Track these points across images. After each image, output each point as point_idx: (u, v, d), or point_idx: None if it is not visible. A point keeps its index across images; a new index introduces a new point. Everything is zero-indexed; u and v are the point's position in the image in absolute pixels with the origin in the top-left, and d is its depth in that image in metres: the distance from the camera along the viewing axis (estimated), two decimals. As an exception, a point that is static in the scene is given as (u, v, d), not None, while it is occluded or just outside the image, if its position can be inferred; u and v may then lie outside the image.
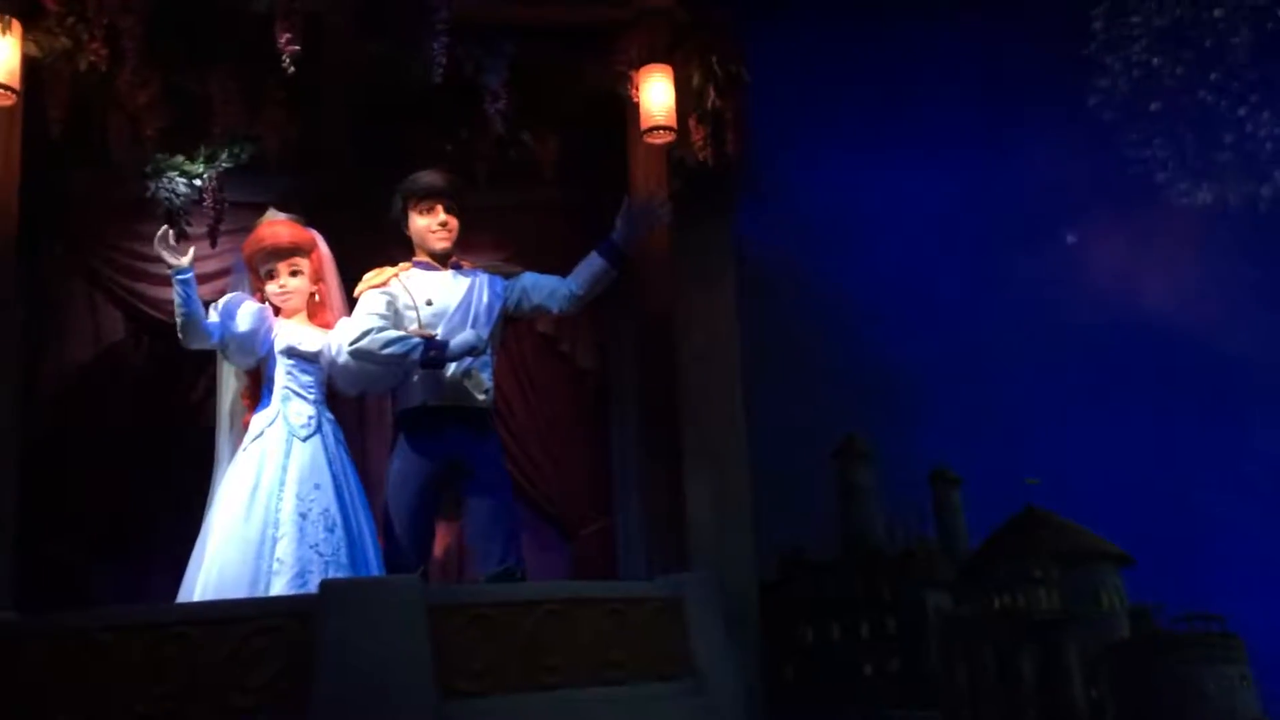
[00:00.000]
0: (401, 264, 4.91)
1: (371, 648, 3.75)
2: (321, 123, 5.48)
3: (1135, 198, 6.49)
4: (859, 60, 6.08)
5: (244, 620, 3.78)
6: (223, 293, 6.16)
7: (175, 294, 4.37)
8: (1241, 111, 6.15)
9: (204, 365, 6.26)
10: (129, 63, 4.64)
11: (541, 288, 4.97)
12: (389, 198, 5.65)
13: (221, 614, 3.82)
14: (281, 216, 4.74)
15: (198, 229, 6.01)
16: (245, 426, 4.62)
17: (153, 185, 5.79)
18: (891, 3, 6.90)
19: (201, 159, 5.86)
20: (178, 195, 5.80)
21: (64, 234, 6.11)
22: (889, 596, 6.46)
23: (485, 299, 4.90)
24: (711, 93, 5.09)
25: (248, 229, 5.94)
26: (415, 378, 4.72)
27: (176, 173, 5.84)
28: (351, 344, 4.61)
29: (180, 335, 4.43)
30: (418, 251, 4.95)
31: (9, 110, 4.87)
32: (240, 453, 4.48)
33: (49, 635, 3.86)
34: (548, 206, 6.23)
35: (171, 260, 4.36)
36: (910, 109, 6.04)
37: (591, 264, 4.92)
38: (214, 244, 5.97)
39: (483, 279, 4.95)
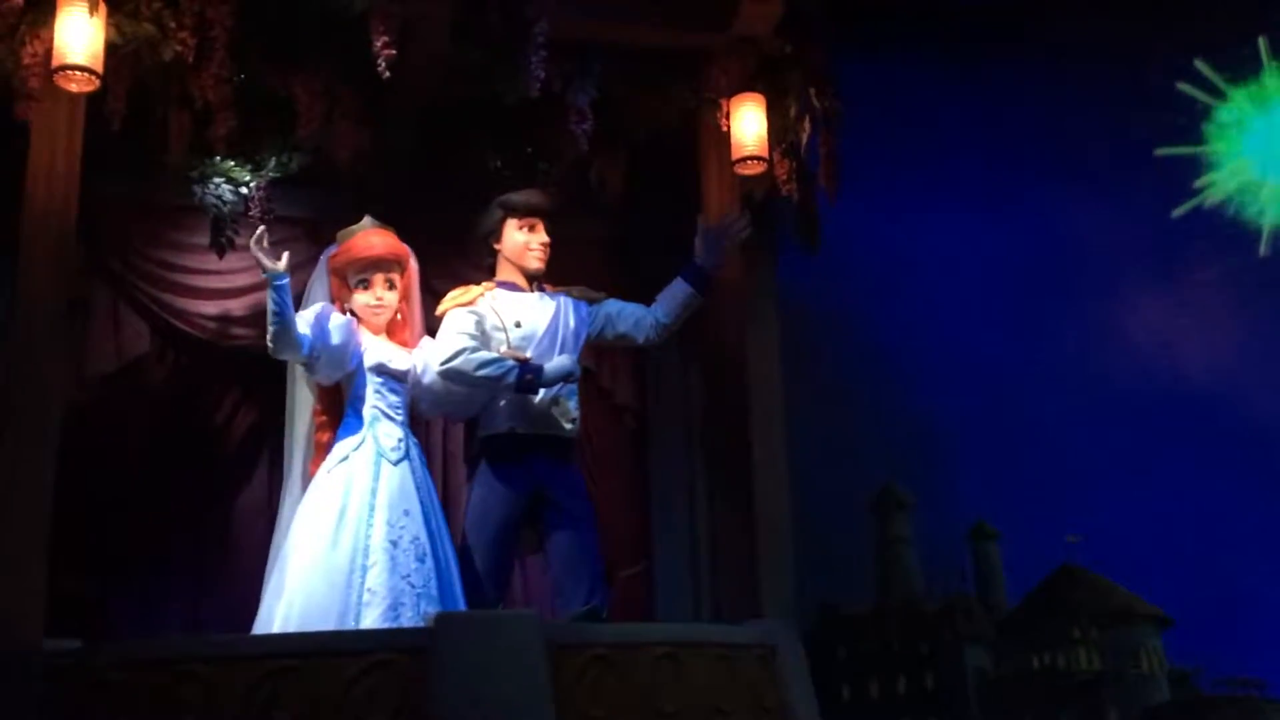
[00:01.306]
0: (485, 284, 4.70)
1: (491, 687, 3.49)
2: (386, 136, 5.22)
3: (1177, 258, 6.56)
4: (907, 111, 6.01)
5: (357, 655, 3.49)
6: (255, 307, 5.94)
7: (270, 300, 4.07)
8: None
9: (230, 385, 5.95)
10: (216, 56, 4.35)
11: (627, 316, 4.79)
12: (436, 219, 5.47)
13: (332, 647, 3.52)
14: (378, 226, 4.48)
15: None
16: (319, 445, 4.32)
17: (199, 190, 5.49)
18: (942, 57, 6.88)
19: (249, 166, 5.60)
20: (224, 203, 5.51)
21: (87, 236, 5.75)
22: (927, 652, 6.32)
23: (572, 324, 4.70)
24: (807, 126, 4.96)
25: (284, 242, 5.70)
26: (502, 402, 4.49)
27: (224, 179, 5.56)
28: (443, 363, 4.37)
29: (270, 344, 4.13)
30: (500, 271, 4.74)
31: (72, 98, 4.55)
32: (323, 475, 4.18)
33: (127, 665, 3.52)
34: (583, 239, 6.03)
35: (268, 264, 4.07)
36: (958, 161, 5.99)
37: (675, 291, 4.76)
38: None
39: (567, 303, 4.75)
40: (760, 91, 5.06)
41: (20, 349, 4.32)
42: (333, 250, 4.46)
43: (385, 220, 5.95)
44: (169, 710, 3.42)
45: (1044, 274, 6.92)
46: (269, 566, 4.21)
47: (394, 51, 4.48)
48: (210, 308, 5.84)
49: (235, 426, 5.87)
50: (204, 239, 5.90)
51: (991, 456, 6.73)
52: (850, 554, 6.59)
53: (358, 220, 5.99)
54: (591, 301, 4.82)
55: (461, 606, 4.15)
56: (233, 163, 5.51)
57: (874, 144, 6.35)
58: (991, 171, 6.63)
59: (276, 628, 3.92)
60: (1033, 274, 6.93)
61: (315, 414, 4.38)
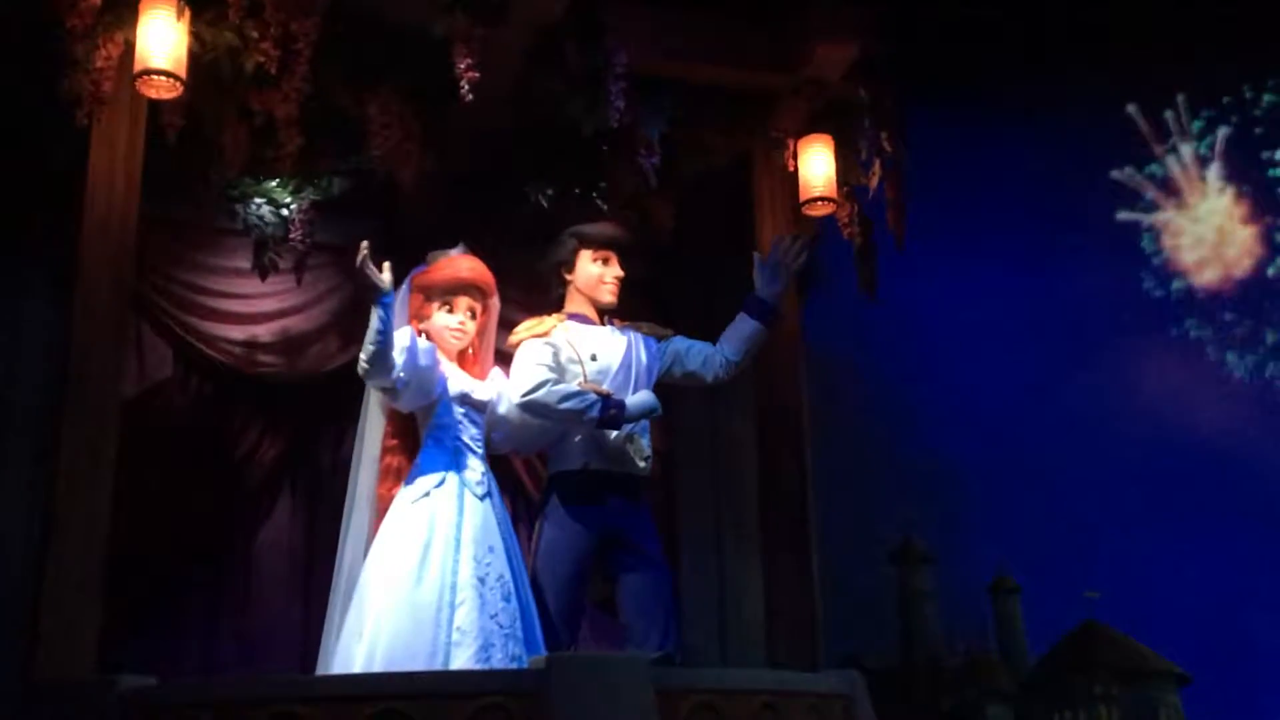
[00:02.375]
0: (556, 315, 4.56)
1: (607, 738, 3.32)
2: (443, 162, 5.09)
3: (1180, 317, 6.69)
4: (931, 162, 6.02)
5: (469, 697, 3.28)
6: (282, 334, 5.73)
7: (375, 319, 3.87)
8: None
9: (255, 415, 5.72)
10: (298, 70, 4.19)
11: (696, 354, 4.67)
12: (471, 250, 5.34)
13: (443, 689, 3.32)
14: (470, 254, 4.33)
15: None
16: (387, 469, 4.12)
17: (241, 211, 5.30)
18: (963, 111, 6.96)
19: (290, 188, 5.42)
20: (266, 224, 5.32)
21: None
22: (948, 708, 6.24)
23: (644, 359, 4.57)
24: (878, 170, 4.94)
25: (315, 268, 5.52)
26: (576, 438, 4.34)
27: (265, 200, 5.37)
28: (524, 395, 4.21)
29: (366, 366, 3.92)
30: (570, 302, 4.61)
31: (134, 107, 4.36)
32: (405, 506, 3.97)
33: (217, 706, 3.29)
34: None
35: (377, 282, 3.89)
36: (979, 212, 6.03)
37: (741, 327, 4.62)
38: (299, 281, 5.48)
39: (637, 338, 4.62)
40: (828, 133, 5.05)
41: (78, 363, 4.10)
42: (421, 269, 4.29)
43: (420, 246, 5.88)
44: (262, 756, 3.20)
45: (1064, 328, 6.99)
46: (336, 600, 3.98)
47: (477, 75, 4.38)
48: (236, 333, 5.64)
49: (259, 458, 5.64)
50: (232, 262, 5.73)
51: (1012, 509, 6.73)
52: (871, 606, 6.51)
53: (389, 246, 5.90)
54: (660, 338, 4.71)
55: (542, 649, 3.98)
56: (275, 183, 5.39)
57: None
58: (1012, 227, 6.70)
59: (359, 668, 3.70)
60: (1053, 328, 6.99)
61: (385, 437, 4.18)
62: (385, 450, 4.17)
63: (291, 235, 5.32)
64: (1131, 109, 7.31)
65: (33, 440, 5.07)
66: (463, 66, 4.37)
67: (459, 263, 4.27)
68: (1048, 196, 6.96)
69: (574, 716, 3.31)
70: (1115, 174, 7.36)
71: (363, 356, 3.95)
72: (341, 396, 5.88)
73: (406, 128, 4.56)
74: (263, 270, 5.29)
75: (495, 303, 4.37)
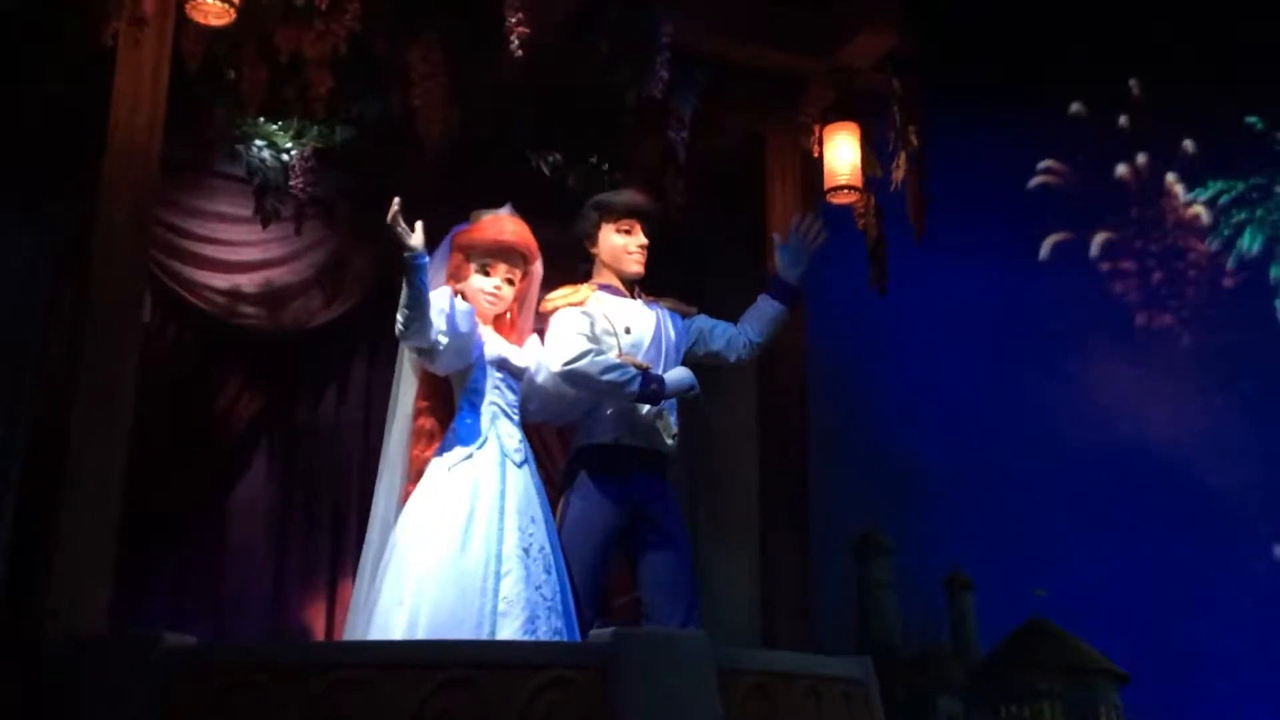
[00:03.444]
0: (588, 284, 4.45)
1: (671, 712, 3.25)
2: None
3: (1148, 331, 6.91)
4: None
5: (535, 669, 3.16)
6: (265, 285, 5.49)
7: (410, 282, 3.70)
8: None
9: (234, 368, 5.48)
10: (351, 8, 3.99)
11: (720, 334, 4.62)
12: (464, 215, 5.19)
13: (509, 659, 3.20)
14: (516, 216, 4.17)
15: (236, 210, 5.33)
16: (419, 432, 3.97)
17: (243, 152, 5.04)
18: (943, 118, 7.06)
19: (291, 132, 5.18)
20: (267, 169, 5.07)
21: (91, 189, 5.19)
22: (903, 699, 6.33)
23: (673, 336, 4.50)
24: (903, 162, 4.96)
25: (306, 217, 5.30)
26: (608, 410, 4.25)
27: (265, 143, 5.12)
28: (566, 364, 4.09)
29: (403, 328, 3.75)
30: (597, 275, 4.51)
31: (159, 34, 4.09)
32: (442, 472, 3.82)
33: (273, 669, 3.11)
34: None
35: (408, 241, 3.72)
36: (949, 216, 6.12)
37: (765, 309, 4.58)
38: (299, 230, 5.25)
39: (664, 314, 4.54)
40: (857, 122, 5.05)
41: (97, 299, 3.85)
42: (463, 227, 4.13)
43: (413, 207, 5.70)
44: (324, 723, 3.04)
45: (1023, 334, 7.16)
46: (366, 566, 3.82)
47: (527, 30, 4.24)
48: (220, 281, 5.39)
49: (236, 414, 5.41)
50: (216, 206, 5.49)
51: (969, 507, 6.87)
52: (830, 595, 6.57)
53: (378, 202, 5.70)
54: (684, 315, 4.64)
55: (576, 625, 3.89)
56: (277, 126, 5.15)
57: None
58: (983, 231, 6.84)
59: (399, 636, 3.54)
60: (1013, 333, 7.16)
61: (417, 398, 4.02)
62: (418, 412, 4.01)
63: (292, 182, 5.09)
64: (1077, 107, 7.52)
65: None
66: (513, 21, 4.23)
67: (503, 224, 4.12)
68: (1016, 203, 7.13)
69: (642, 692, 3.23)
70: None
71: (399, 317, 3.78)
72: (321, 356, 5.75)
73: (448, 79, 4.38)
74: (265, 217, 5.05)
75: (538, 269, 4.23)
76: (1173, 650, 7.04)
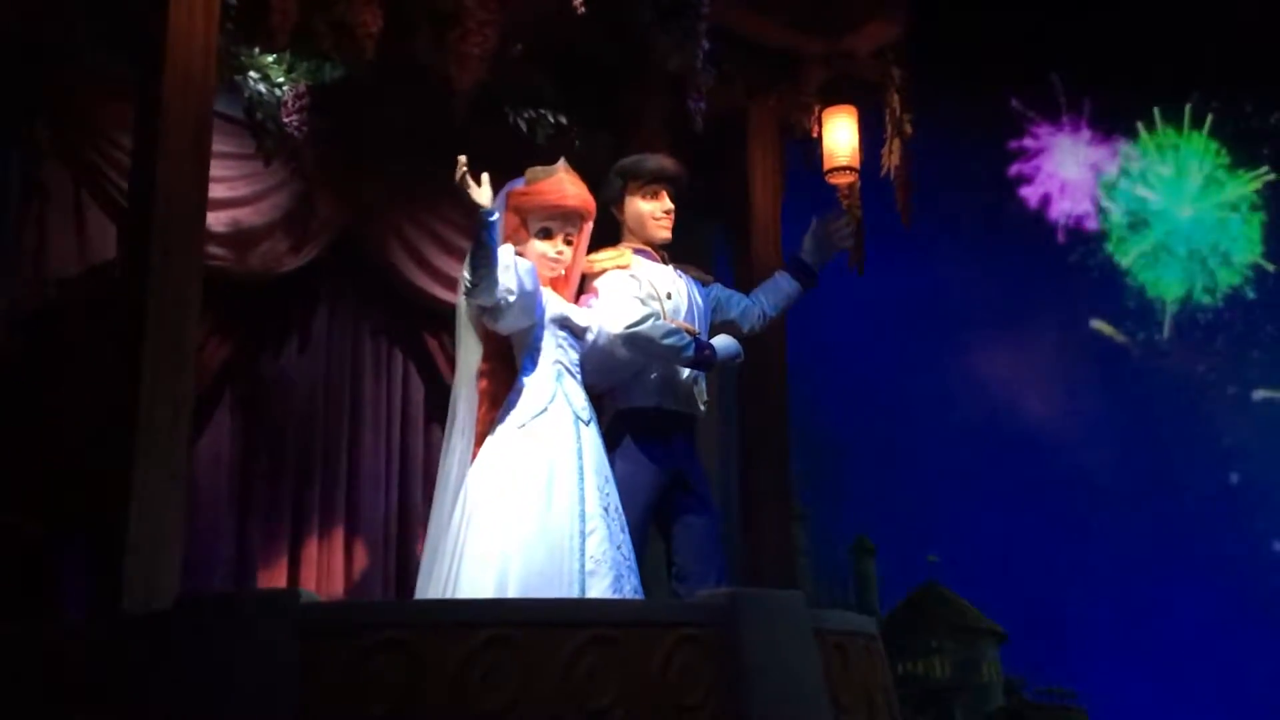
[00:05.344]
0: (624, 246, 4.45)
1: (783, 669, 3.37)
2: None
3: (1027, 321, 7.42)
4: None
5: (669, 626, 3.22)
6: (232, 225, 5.20)
7: (480, 240, 3.62)
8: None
9: (203, 314, 5.12)
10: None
11: (736, 303, 4.72)
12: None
13: (647, 617, 3.24)
14: (573, 173, 4.10)
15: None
16: (483, 397, 3.90)
17: (241, 81, 4.73)
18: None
19: (284, 66, 4.91)
20: (265, 102, 4.79)
21: (56, 109, 4.77)
22: (814, 655, 6.67)
23: (700, 303, 4.58)
24: (897, 148, 5.18)
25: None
26: (653, 375, 4.29)
27: (258, 75, 4.82)
28: (630, 327, 4.11)
29: (471, 286, 3.65)
30: (626, 239, 4.52)
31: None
32: (514, 431, 3.75)
33: (418, 627, 3.03)
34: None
35: (477, 198, 3.63)
36: (873, 206, 6.47)
37: (781, 284, 4.72)
38: (305, 175, 5.02)
39: (689, 281, 4.61)
40: (851, 104, 5.23)
41: (161, 231, 3.59)
42: (518, 185, 4.03)
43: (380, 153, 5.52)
44: (479, 681, 2.98)
45: (923, 323, 7.58)
46: (443, 530, 3.72)
47: (590, -13, 4.21)
48: (189, 218, 5.04)
49: (203, 362, 5.05)
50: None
51: (873, 480, 7.25)
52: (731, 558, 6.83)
53: (347, 147, 5.49)
54: (704, 283, 4.72)
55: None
56: (272, 59, 4.87)
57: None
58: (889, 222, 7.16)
59: (492, 594, 3.50)
60: (915, 322, 7.57)
61: (480, 360, 3.93)
62: (480, 374, 3.93)
63: (286, 119, 4.82)
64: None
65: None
66: (577, -24, 4.18)
67: (564, 188, 4.04)
68: (937, 196, 7.51)
69: (759, 650, 3.34)
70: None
71: (466, 274, 3.72)
72: (289, 305, 5.48)
73: (502, 28, 4.28)
74: (267, 154, 4.77)
75: (590, 224, 4.21)
76: (1044, 611, 7.69)
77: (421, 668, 2.99)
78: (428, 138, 5.55)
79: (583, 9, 4.19)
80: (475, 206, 3.66)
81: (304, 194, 5.38)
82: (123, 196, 4.88)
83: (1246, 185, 10.07)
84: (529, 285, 3.86)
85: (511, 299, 3.79)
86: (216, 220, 5.13)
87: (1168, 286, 9.22)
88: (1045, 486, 8.01)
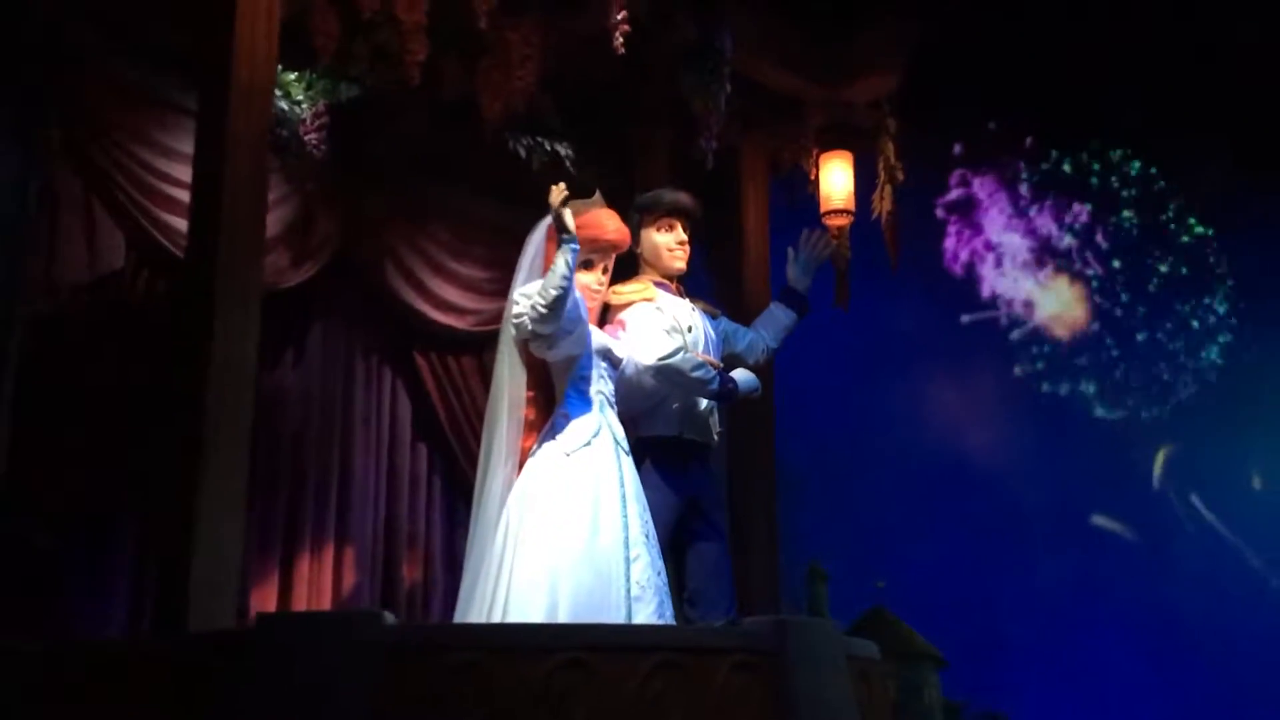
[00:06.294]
0: (644, 278, 4.58)
1: (826, 696, 3.53)
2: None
3: (966, 362, 7.74)
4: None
5: (723, 653, 3.35)
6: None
7: (561, 265, 3.72)
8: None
9: (207, 320, 5.08)
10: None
11: (741, 337, 4.88)
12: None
13: (703, 644, 3.37)
14: (607, 207, 4.21)
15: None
16: (526, 423, 3.99)
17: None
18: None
19: (304, 84, 4.94)
20: (289, 120, 4.80)
21: (70, 114, 4.71)
22: (769, 677, 6.85)
23: (713, 335, 4.73)
24: (889, 194, 5.42)
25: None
26: (674, 405, 4.43)
27: (281, 93, 4.83)
28: (662, 359, 4.24)
29: (543, 312, 3.75)
30: (644, 272, 4.65)
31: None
32: (560, 457, 3.85)
33: (495, 651, 3.12)
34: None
35: (569, 226, 3.75)
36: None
37: (781, 317, 4.84)
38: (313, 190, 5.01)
39: (702, 314, 4.77)
40: (848, 150, 5.46)
41: (227, 240, 3.63)
42: None
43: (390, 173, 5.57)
44: (556, 703, 3.07)
45: (873, 360, 7.84)
46: (485, 555, 3.78)
47: (629, 28, 4.35)
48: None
49: (209, 373, 5.02)
50: (187, 147, 5.08)
51: (827, 509, 7.48)
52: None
53: (349, 167, 5.51)
54: (713, 317, 4.88)
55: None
56: (294, 77, 4.89)
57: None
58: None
59: (542, 619, 3.58)
60: (866, 358, 7.81)
61: (527, 389, 4.01)
62: (526, 402, 4.01)
63: (305, 135, 4.85)
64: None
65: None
66: (619, 18, 4.32)
67: (605, 222, 4.15)
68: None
69: (803, 675, 3.49)
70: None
71: (541, 301, 3.80)
72: (286, 321, 5.47)
73: (541, 61, 4.39)
74: (289, 172, 4.81)
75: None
76: (982, 637, 8.02)
77: (501, 690, 3.08)
78: (426, 159, 5.65)
79: (622, 50, 4.32)
80: (566, 233, 3.76)
81: (306, 210, 5.39)
82: (133, 206, 4.88)
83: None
84: (583, 316, 3.98)
85: (571, 328, 3.89)
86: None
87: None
88: (987, 518, 8.38)
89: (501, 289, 6.01)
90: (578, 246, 3.80)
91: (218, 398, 3.56)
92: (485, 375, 6.05)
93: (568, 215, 3.77)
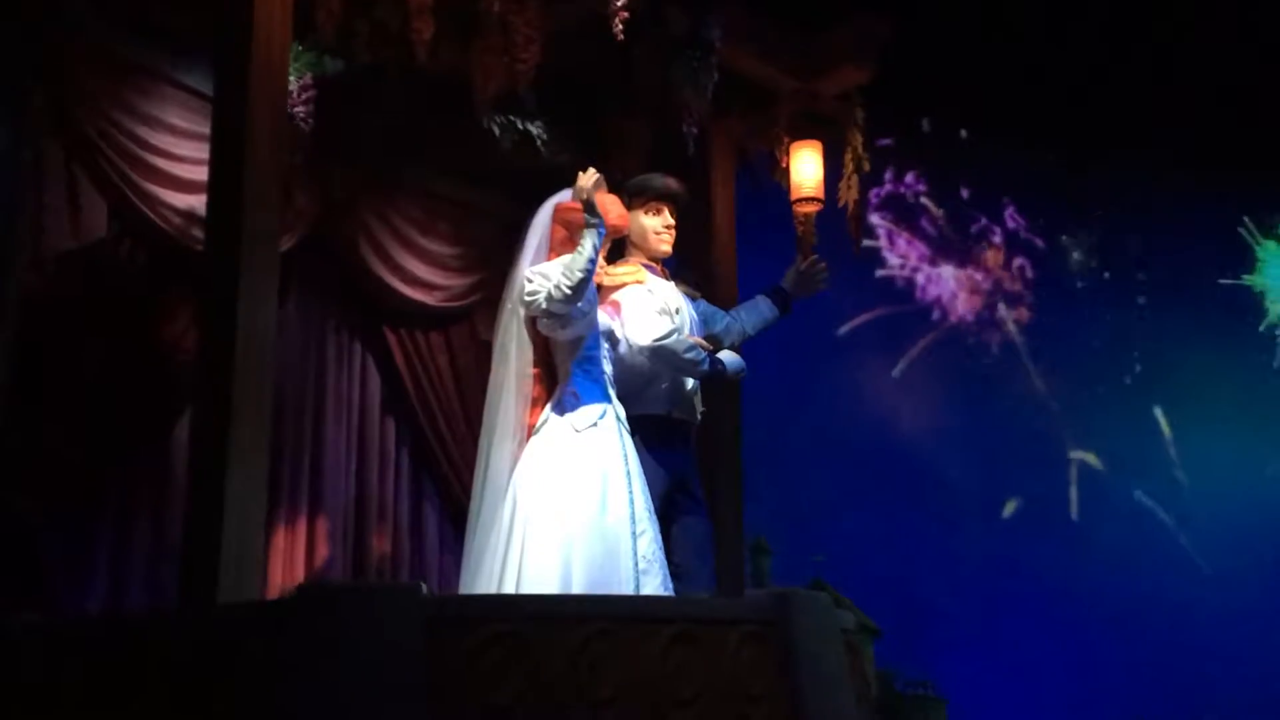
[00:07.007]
0: (633, 260, 4.70)
1: (822, 666, 3.72)
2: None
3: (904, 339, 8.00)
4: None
5: (734, 623, 3.52)
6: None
7: (590, 248, 3.84)
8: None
9: (189, 296, 5.05)
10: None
11: (719, 319, 5.03)
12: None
13: (717, 615, 3.53)
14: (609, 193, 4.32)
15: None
16: (530, 398, 4.10)
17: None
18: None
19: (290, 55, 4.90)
20: (279, 94, 4.77)
21: (53, 80, 4.63)
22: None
23: (695, 316, 4.88)
24: (855, 183, 5.60)
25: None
26: (663, 385, 4.58)
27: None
28: (657, 340, 4.38)
29: (566, 291, 3.86)
30: (630, 254, 4.77)
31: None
32: (570, 434, 3.97)
33: (537, 620, 3.23)
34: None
35: (598, 209, 3.87)
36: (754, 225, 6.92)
37: (762, 308, 5.00)
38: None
39: (684, 295, 4.90)
40: (817, 139, 5.62)
41: (250, 215, 3.65)
42: (565, 200, 4.22)
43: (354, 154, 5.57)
44: (589, 671, 3.19)
45: (818, 342, 8.06)
46: (489, 527, 3.88)
47: (628, 14, 4.44)
48: (177, 200, 5.02)
49: (185, 346, 5.00)
50: (170, 118, 5.06)
51: (770, 484, 7.68)
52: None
53: (326, 142, 5.49)
54: (693, 299, 5.01)
55: (665, 586, 4.20)
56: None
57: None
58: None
59: (554, 590, 3.70)
60: (811, 340, 8.03)
61: (532, 366, 4.11)
62: (533, 379, 4.12)
63: (293, 109, 4.83)
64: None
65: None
66: (618, 4, 4.40)
67: (610, 207, 4.28)
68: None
69: (803, 644, 3.68)
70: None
71: (566, 281, 3.92)
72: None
73: (542, 45, 4.46)
74: (279, 145, 4.76)
75: None
76: (913, 608, 8.35)
77: (538, 659, 3.19)
78: (399, 135, 5.66)
79: (621, 36, 4.41)
80: (593, 214, 3.87)
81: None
82: (115, 175, 4.82)
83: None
84: (593, 296, 4.09)
85: (588, 309, 4.01)
86: (199, 203, 5.09)
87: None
88: (918, 494, 8.71)
89: (467, 265, 6.15)
90: (604, 230, 3.92)
91: (245, 365, 3.57)
92: (452, 351, 6.13)
93: (598, 200, 3.88)
